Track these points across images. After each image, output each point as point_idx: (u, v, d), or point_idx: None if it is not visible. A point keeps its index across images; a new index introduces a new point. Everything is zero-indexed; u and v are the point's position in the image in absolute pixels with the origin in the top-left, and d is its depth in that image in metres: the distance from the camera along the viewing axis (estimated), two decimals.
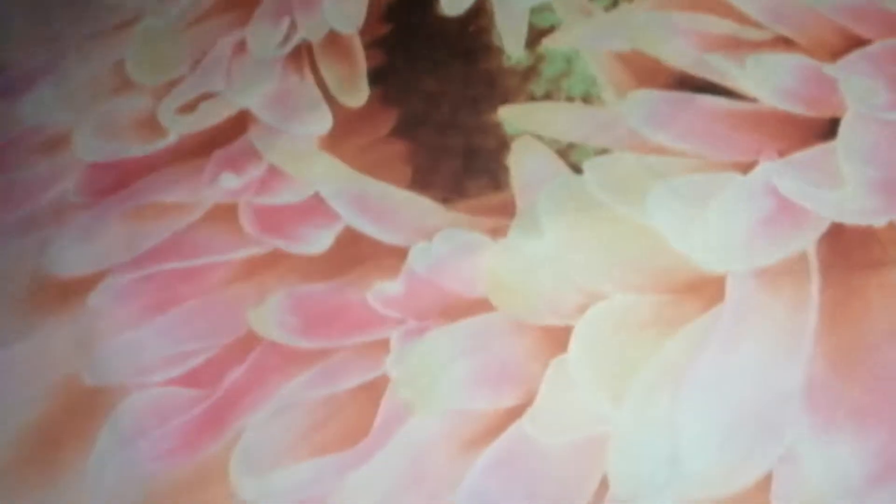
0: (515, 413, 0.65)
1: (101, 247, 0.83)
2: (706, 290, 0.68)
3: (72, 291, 0.80)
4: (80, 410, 0.73)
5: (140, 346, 0.75)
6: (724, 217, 0.72)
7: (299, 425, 0.69)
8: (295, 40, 0.96)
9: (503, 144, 0.83)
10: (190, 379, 0.73)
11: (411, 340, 0.71)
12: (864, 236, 0.69)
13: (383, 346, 0.71)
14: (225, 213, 0.83)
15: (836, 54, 0.81)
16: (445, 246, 0.76)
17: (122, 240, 0.83)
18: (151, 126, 0.92)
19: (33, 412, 0.74)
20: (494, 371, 0.68)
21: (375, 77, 0.92)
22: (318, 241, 0.79)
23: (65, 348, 0.77)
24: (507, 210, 0.77)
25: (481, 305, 0.72)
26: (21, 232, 0.86)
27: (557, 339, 0.68)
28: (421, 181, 0.82)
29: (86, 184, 0.89)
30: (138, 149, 0.90)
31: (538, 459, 0.63)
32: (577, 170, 0.79)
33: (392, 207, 0.80)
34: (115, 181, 0.88)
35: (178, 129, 0.91)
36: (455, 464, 0.64)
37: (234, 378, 0.72)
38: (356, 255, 0.77)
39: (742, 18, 0.85)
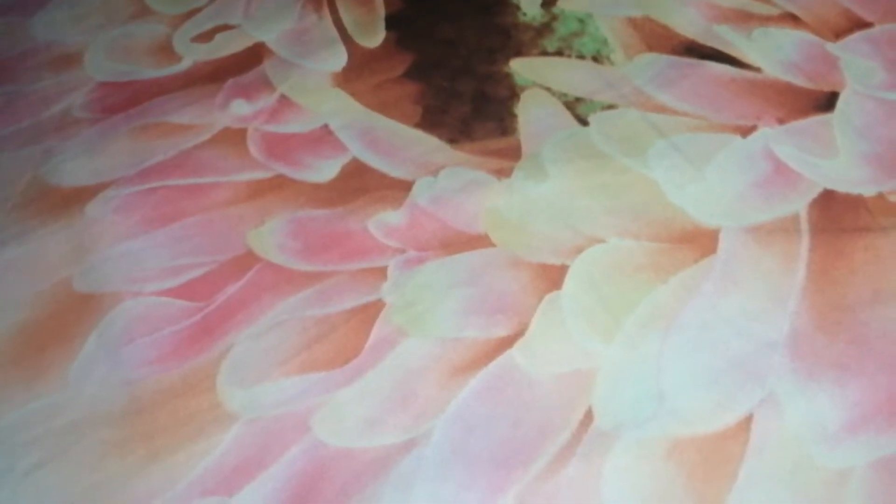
0: (507, 343, 0.66)
1: (105, 160, 0.83)
2: (700, 242, 0.71)
3: (72, 200, 0.80)
4: (68, 316, 0.72)
5: (136, 257, 0.75)
6: (721, 175, 0.74)
7: (290, 342, 0.69)
8: None
9: (513, 93, 0.85)
10: (184, 291, 0.73)
11: (410, 269, 0.71)
12: (854, 203, 0.72)
13: (380, 272, 0.72)
14: (233, 137, 0.84)
15: (839, 34, 0.85)
16: (450, 181, 0.77)
17: (126, 154, 0.83)
18: (166, 52, 0.93)
19: (20, 315, 0.73)
20: (489, 302, 0.69)
21: (392, 22, 0.94)
22: (324, 170, 0.80)
23: (59, 254, 0.77)
24: (512, 154, 0.79)
25: (480, 241, 0.73)
26: (23, 142, 0.86)
27: (553, 276, 0.70)
28: (430, 121, 0.83)
29: (94, 100, 0.89)
30: (151, 72, 0.91)
31: (525, 388, 0.64)
32: (583, 122, 0.81)
33: (399, 143, 0.81)
34: (125, 100, 0.88)
35: (194, 56, 0.93)
36: (444, 388, 0.64)
37: (229, 293, 0.72)
38: (360, 186, 0.78)
39: None
